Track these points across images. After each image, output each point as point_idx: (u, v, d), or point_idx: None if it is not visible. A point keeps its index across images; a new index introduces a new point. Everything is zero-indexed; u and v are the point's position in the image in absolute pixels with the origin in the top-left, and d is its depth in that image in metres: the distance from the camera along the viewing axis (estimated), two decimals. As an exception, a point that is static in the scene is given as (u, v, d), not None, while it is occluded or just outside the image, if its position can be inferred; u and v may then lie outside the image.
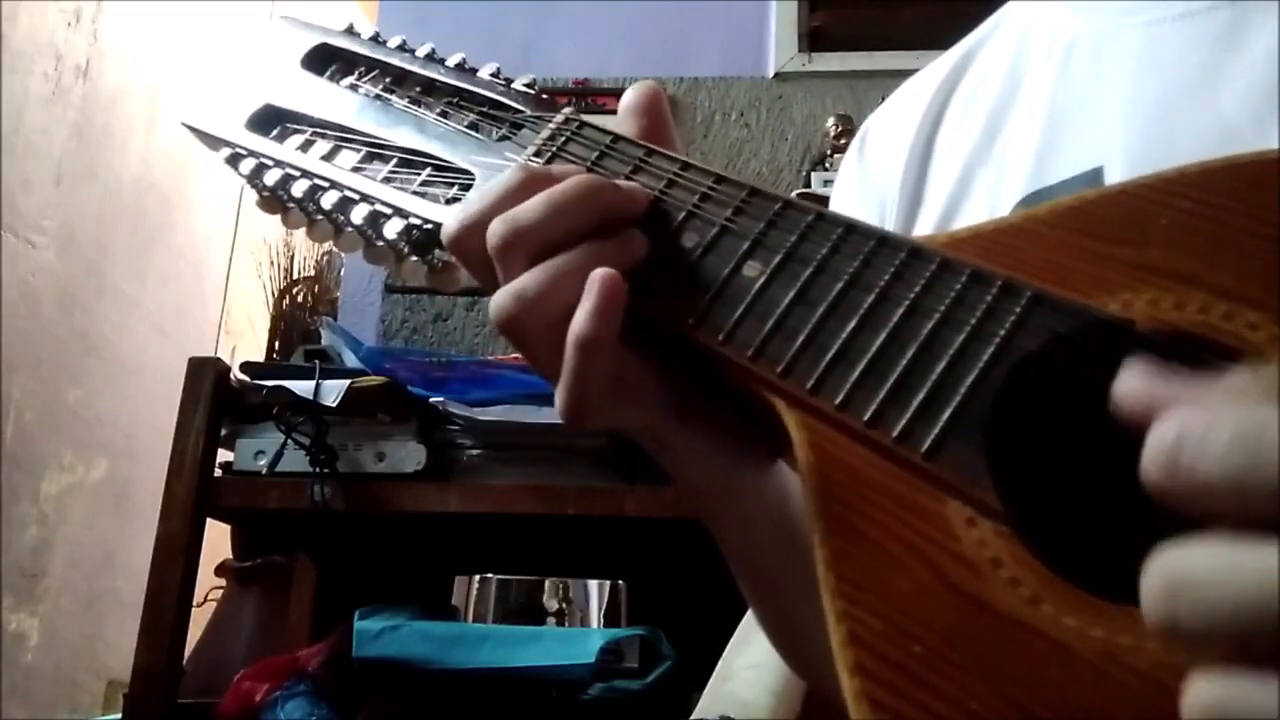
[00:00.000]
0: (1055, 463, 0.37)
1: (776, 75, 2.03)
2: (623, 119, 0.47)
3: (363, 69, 0.54)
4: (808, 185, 1.89)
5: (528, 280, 0.40)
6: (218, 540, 1.49)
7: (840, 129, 1.90)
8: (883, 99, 0.71)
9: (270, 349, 2.06)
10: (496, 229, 0.41)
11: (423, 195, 0.48)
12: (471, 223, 0.42)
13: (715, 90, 2.03)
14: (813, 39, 2.05)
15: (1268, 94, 0.48)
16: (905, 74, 0.71)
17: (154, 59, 2.65)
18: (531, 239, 0.41)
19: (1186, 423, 0.24)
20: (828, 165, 1.91)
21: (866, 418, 0.36)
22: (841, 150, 1.87)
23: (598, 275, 0.39)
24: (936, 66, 0.66)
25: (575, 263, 0.40)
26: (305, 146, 0.52)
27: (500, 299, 0.41)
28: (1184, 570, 0.24)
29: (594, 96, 2.01)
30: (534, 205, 0.41)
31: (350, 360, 1.33)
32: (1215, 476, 0.23)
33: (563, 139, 0.48)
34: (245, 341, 2.99)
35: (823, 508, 0.35)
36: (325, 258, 2.19)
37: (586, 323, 0.39)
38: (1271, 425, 0.23)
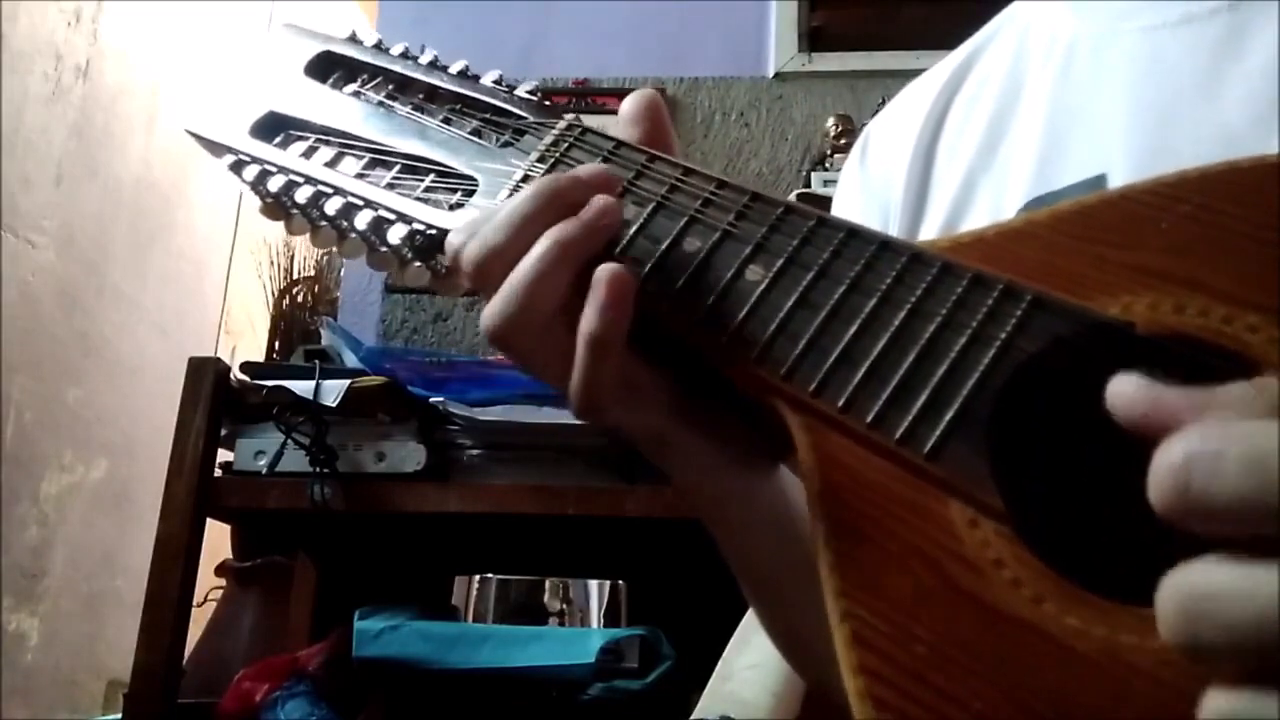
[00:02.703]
0: (1057, 464, 0.38)
1: (776, 75, 2.03)
2: (623, 126, 0.47)
3: (365, 76, 0.54)
4: (808, 185, 1.90)
5: (504, 293, 0.40)
6: (218, 540, 1.49)
7: (840, 129, 1.90)
8: (883, 99, 0.71)
9: (270, 349, 2.06)
10: (468, 254, 0.41)
11: (426, 201, 0.48)
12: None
13: (715, 90, 2.03)
14: (813, 39, 2.05)
15: (1268, 100, 0.48)
16: (905, 74, 0.71)
17: (154, 59, 2.65)
18: (502, 258, 0.41)
19: (1192, 446, 0.24)
20: (828, 165, 1.91)
21: (869, 420, 0.36)
22: (842, 150, 1.87)
23: (604, 272, 0.39)
24: (938, 70, 0.67)
25: (545, 259, 0.40)
26: (308, 153, 0.52)
27: (486, 319, 0.41)
28: (1201, 591, 0.24)
29: (594, 96, 2.01)
30: (495, 224, 0.41)
31: (350, 360, 1.33)
32: (1228, 500, 0.23)
33: (565, 145, 0.48)
34: (245, 341, 2.99)
35: (825, 510, 0.36)
36: (325, 258, 2.19)
37: (595, 320, 0.39)
38: (1277, 443, 0.23)
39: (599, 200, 0.42)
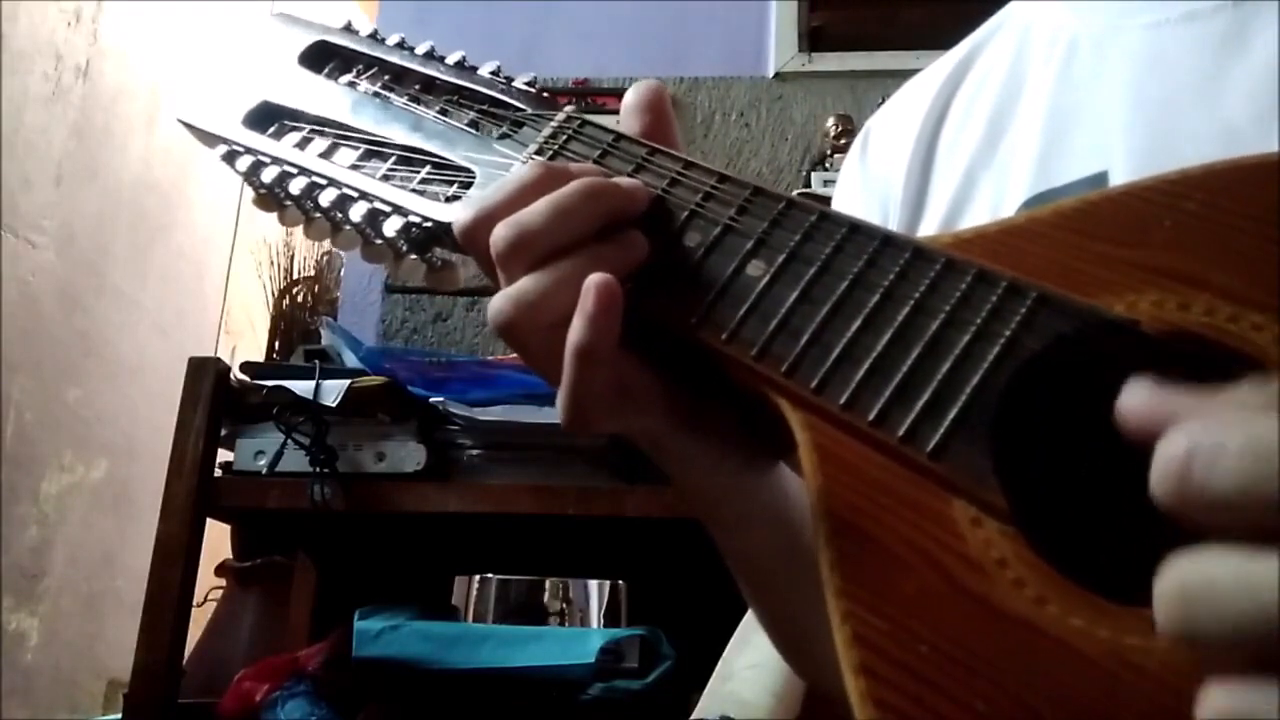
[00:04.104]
0: (1061, 463, 0.37)
1: (776, 75, 2.03)
2: (626, 117, 0.47)
3: (361, 66, 0.54)
4: (808, 185, 1.89)
5: (527, 285, 0.40)
6: (218, 540, 1.49)
7: (840, 129, 1.90)
8: (883, 99, 0.71)
9: (270, 349, 2.06)
10: (500, 233, 0.40)
11: (422, 193, 0.48)
12: (486, 216, 0.42)
13: (715, 90, 2.03)
14: (813, 39, 2.05)
15: (1270, 96, 0.48)
16: (905, 74, 0.71)
17: (154, 59, 2.65)
18: (535, 244, 0.40)
19: (1194, 438, 0.24)
20: (828, 165, 1.91)
21: (871, 417, 0.36)
22: (842, 150, 1.87)
23: (593, 282, 0.38)
24: (938, 67, 0.66)
25: (576, 269, 0.40)
26: (303, 144, 0.51)
27: (499, 303, 0.40)
28: (1199, 579, 0.24)
29: (594, 96, 2.01)
30: (538, 210, 0.40)
31: (350, 360, 1.33)
32: (1227, 491, 0.23)
33: (564, 137, 0.47)
34: (245, 341, 2.99)
35: (827, 508, 0.35)
36: (325, 258, 2.19)
37: (584, 331, 0.38)
38: (1276, 436, 0.23)
39: (638, 236, 0.42)
